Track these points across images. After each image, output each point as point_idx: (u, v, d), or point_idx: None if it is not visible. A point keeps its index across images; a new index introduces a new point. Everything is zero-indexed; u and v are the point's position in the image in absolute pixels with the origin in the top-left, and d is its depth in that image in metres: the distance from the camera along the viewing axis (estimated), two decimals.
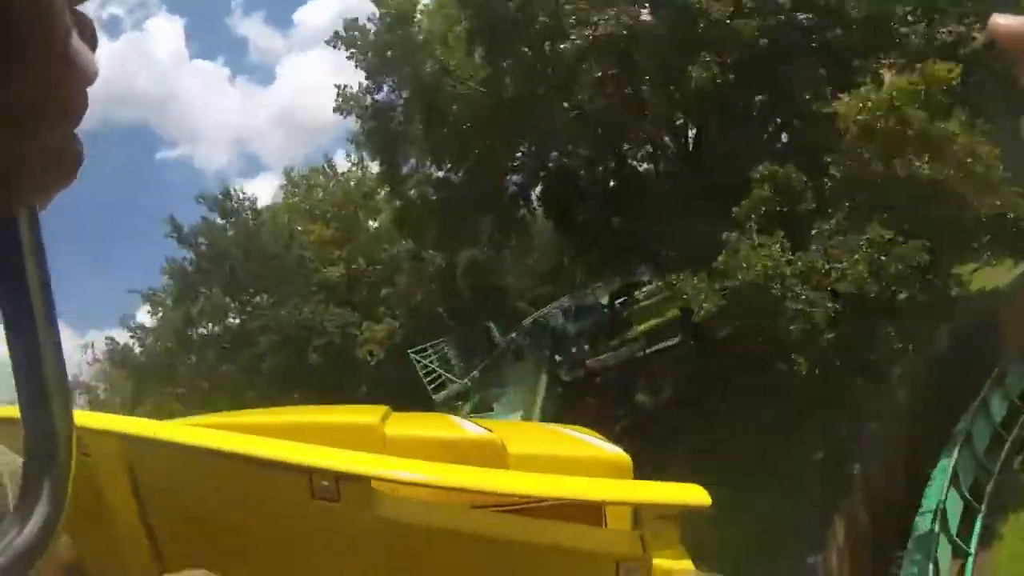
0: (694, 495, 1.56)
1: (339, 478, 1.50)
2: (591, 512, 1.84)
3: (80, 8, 0.34)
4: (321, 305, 24.72)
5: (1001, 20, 0.38)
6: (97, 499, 1.79)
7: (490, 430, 2.18)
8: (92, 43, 0.35)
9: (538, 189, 21.15)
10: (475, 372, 20.31)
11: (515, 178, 21.26)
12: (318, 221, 27.18)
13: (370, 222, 28.36)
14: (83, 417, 1.78)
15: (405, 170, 22.01)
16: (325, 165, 29.66)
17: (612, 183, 19.97)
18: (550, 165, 20.62)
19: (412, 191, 21.79)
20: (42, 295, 0.37)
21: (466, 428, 2.26)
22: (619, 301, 25.08)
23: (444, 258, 23.18)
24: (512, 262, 25.18)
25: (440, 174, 21.27)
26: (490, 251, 22.69)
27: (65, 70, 0.32)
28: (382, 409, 2.07)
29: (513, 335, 21.43)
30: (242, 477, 1.68)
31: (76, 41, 0.32)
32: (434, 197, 20.81)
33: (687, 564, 1.90)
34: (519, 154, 20.80)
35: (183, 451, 1.68)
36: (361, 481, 1.53)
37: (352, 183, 28.58)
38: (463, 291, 23.41)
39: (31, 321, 0.36)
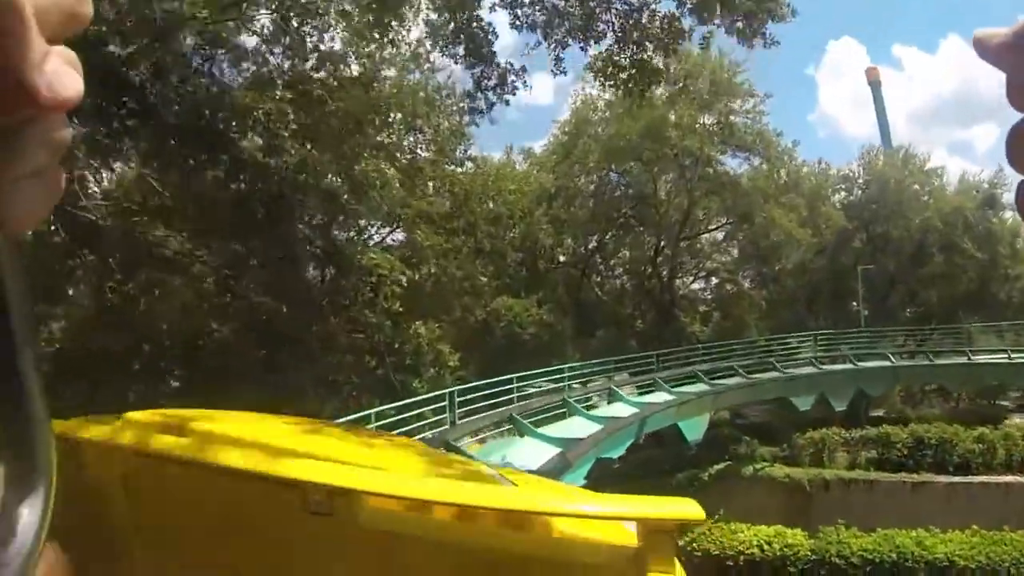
0: (689, 510, 1.54)
1: (332, 493, 1.50)
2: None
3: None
4: None
5: (983, 35, 0.35)
6: (93, 510, 1.79)
7: (515, 484, 2.13)
8: (75, 66, 0.34)
9: None
10: None
11: None
12: None
13: None
14: (79, 428, 1.78)
15: None
16: None
17: None
18: None
19: None
20: (24, 320, 0.36)
21: (498, 482, 2.15)
22: None
23: None
24: None
25: None
26: None
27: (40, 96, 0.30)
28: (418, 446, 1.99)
29: None
30: (237, 490, 1.67)
31: (55, 63, 0.31)
32: None
33: None
34: None
35: (178, 464, 1.67)
36: (353, 495, 1.53)
37: None
38: None
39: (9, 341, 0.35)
